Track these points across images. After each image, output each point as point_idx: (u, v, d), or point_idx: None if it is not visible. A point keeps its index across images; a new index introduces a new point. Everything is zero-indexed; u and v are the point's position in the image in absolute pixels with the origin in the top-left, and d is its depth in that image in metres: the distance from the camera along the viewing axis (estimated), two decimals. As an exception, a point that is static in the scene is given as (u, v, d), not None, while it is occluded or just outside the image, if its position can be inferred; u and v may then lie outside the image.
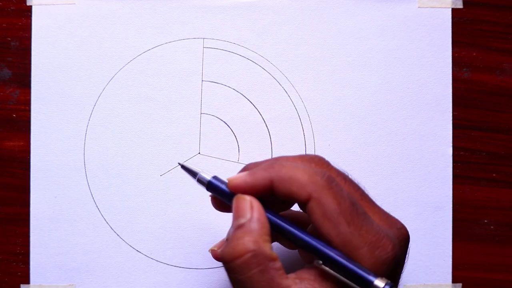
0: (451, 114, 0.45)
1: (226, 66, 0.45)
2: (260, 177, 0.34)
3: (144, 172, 0.45)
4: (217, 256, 0.37)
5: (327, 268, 0.31)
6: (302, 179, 0.32)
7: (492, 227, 0.45)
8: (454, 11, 0.45)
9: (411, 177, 0.45)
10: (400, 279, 0.40)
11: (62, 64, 0.45)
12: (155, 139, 0.45)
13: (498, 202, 0.45)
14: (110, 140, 0.45)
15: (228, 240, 0.33)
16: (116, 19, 0.45)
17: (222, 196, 0.35)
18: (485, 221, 0.45)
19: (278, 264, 0.32)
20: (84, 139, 0.45)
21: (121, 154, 0.45)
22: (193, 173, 0.37)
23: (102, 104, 0.45)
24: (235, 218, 0.34)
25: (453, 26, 0.45)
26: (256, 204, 0.34)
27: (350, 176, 0.35)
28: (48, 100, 0.45)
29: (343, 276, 0.31)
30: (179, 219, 0.45)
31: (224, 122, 0.45)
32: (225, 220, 0.44)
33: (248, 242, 0.32)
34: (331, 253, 0.32)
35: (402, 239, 0.33)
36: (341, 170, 0.35)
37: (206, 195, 0.45)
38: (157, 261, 0.44)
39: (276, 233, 0.34)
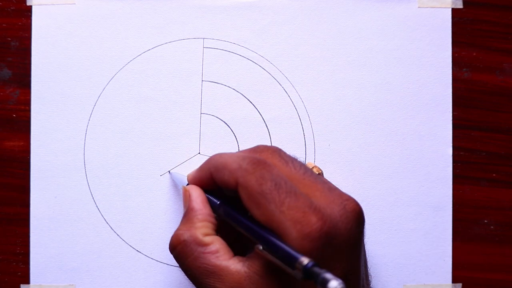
0: (451, 114, 0.45)
1: (226, 66, 0.45)
2: (203, 170, 0.36)
3: (144, 172, 0.45)
4: None
5: (260, 248, 0.32)
6: (231, 167, 0.33)
7: (492, 227, 0.45)
8: (454, 11, 0.45)
9: (411, 177, 0.45)
10: (365, 257, 0.39)
11: (62, 64, 0.45)
12: (155, 139, 0.45)
13: (498, 202, 0.45)
14: (110, 140, 0.45)
15: None
16: (116, 19, 0.45)
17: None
18: (485, 221, 0.45)
19: (213, 247, 0.34)
20: (84, 139, 0.45)
21: (121, 154, 0.45)
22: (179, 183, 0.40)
23: (102, 104, 0.45)
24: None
25: (453, 26, 0.45)
26: (194, 192, 0.36)
27: (297, 160, 0.35)
28: (48, 100, 0.45)
29: (275, 257, 0.31)
30: (179, 219, 0.45)
31: (224, 122, 0.45)
32: (225, 220, 0.45)
33: (181, 231, 0.35)
34: (262, 232, 0.32)
35: (345, 212, 0.32)
36: (287, 155, 0.35)
37: (206, 195, 0.45)
38: (157, 261, 0.44)
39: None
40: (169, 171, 0.44)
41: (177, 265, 0.44)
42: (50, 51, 0.45)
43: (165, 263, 0.44)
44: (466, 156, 0.45)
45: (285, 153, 0.35)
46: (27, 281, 0.44)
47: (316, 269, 0.28)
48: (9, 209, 0.45)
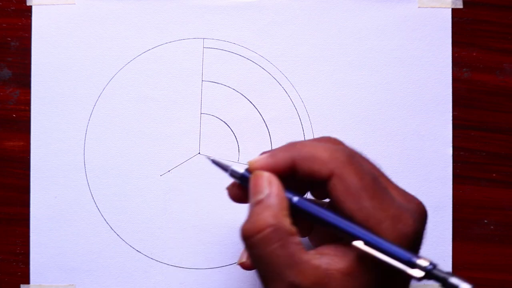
0: (451, 114, 0.45)
1: (226, 66, 0.45)
2: (282, 157, 0.34)
3: (144, 172, 0.45)
4: (248, 267, 0.37)
5: (367, 248, 0.31)
6: (323, 157, 0.32)
7: (492, 227, 0.45)
8: (454, 11, 0.45)
9: (411, 177, 0.45)
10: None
11: (62, 64, 0.45)
12: (155, 139, 0.45)
13: (498, 202, 0.45)
14: (110, 140, 0.45)
15: (247, 217, 0.33)
16: (116, 19, 0.45)
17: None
18: (485, 221, 0.45)
19: (297, 239, 0.32)
20: (84, 139, 0.45)
21: (121, 154, 0.45)
22: (224, 168, 0.37)
23: (102, 104, 0.45)
24: (253, 195, 0.34)
25: (453, 26, 0.45)
26: (274, 179, 0.34)
27: (366, 155, 0.35)
28: (48, 100, 0.45)
29: (382, 253, 0.31)
30: (179, 219, 0.45)
31: (224, 122, 0.45)
32: (225, 220, 0.45)
33: (268, 216, 0.32)
34: (363, 232, 0.31)
35: (420, 213, 0.33)
36: (357, 150, 0.35)
37: (207, 194, 0.45)
38: (157, 261, 0.44)
39: (295, 214, 0.34)
40: (209, 158, 0.39)
41: (177, 265, 0.44)
42: (50, 51, 0.45)
43: (165, 263, 0.44)
44: (466, 156, 0.45)
45: (351, 147, 0.35)
46: (27, 281, 0.44)
47: (437, 272, 0.29)
48: (9, 209, 0.45)
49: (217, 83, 0.45)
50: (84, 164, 0.45)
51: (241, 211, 0.45)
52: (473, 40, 0.46)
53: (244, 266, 0.37)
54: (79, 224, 0.44)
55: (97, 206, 0.45)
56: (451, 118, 0.45)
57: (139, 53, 0.45)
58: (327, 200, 0.36)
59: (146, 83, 0.45)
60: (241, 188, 0.36)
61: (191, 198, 0.45)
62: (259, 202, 0.33)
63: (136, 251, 0.44)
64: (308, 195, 0.37)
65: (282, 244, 0.31)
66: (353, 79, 0.45)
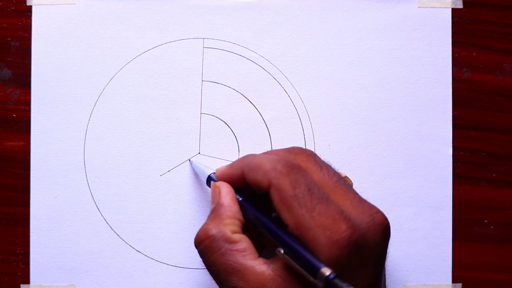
0: (451, 114, 0.45)
1: (226, 66, 0.45)
2: (235, 167, 0.36)
3: (144, 172, 0.45)
4: None
5: (282, 253, 0.32)
6: (265, 168, 0.34)
7: (492, 227, 0.45)
8: (454, 11, 0.45)
9: (411, 177, 0.45)
10: (385, 269, 0.39)
11: (62, 64, 0.45)
12: (155, 139, 0.45)
13: (498, 202, 0.45)
14: (110, 140, 0.45)
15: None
16: (116, 19, 0.45)
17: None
18: (485, 221, 0.45)
19: (241, 245, 0.34)
20: (84, 139, 0.45)
21: (121, 154, 0.45)
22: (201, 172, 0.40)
23: (102, 104, 0.45)
24: (211, 205, 0.37)
25: (453, 26, 0.45)
26: (224, 189, 0.36)
27: (331, 167, 0.35)
28: (48, 100, 0.45)
29: (296, 263, 0.31)
30: (179, 219, 0.45)
31: (224, 122, 0.45)
32: (225, 220, 0.45)
33: (210, 227, 0.35)
34: (286, 237, 0.32)
35: (373, 224, 0.32)
36: (322, 160, 0.35)
37: (207, 194, 0.45)
38: (157, 261, 0.44)
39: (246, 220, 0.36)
40: (189, 160, 0.44)
41: (177, 265, 0.44)
42: (50, 51, 0.45)
43: (165, 263, 0.44)
44: (466, 156, 0.45)
45: (319, 158, 0.35)
46: (27, 281, 0.44)
47: (338, 281, 0.29)
48: (9, 209, 0.45)
49: (217, 83, 0.45)
50: (84, 164, 0.45)
51: (241, 211, 0.44)
52: (473, 40, 0.46)
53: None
54: (79, 224, 0.44)
55: (97, 206, 0.45)
56: (451, 118, 0.45)
57: (139, 53, 0.45)
58: None
59: (146, 83, 0.45)
60: None
61: (191, 198, 0.45)
62: (210, 212, 0.36)
63: (136, 251, 0.44)
64: None
65: (222, 253, 0.34)
66: (353, 79, 0.45)
